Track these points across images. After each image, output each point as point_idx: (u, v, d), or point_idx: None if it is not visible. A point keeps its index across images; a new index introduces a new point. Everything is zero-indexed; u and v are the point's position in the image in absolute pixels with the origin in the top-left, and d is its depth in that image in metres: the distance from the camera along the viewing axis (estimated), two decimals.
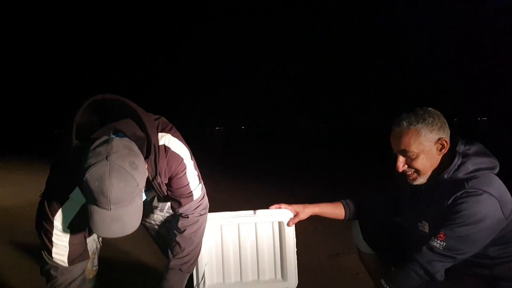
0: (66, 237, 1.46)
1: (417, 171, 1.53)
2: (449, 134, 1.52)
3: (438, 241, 1.43)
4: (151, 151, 1.42)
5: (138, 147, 1.35)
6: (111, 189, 1.18)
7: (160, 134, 1.54)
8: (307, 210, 1.75)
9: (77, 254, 1.51)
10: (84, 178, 1.19)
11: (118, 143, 1.25)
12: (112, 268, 1.97)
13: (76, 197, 1.40)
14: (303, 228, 1.81)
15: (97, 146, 1.24)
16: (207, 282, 1.70)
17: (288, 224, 1.72)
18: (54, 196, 1.43)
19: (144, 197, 1.66)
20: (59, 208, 1.42)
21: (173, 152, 1.56)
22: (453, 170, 1.49)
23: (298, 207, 1.74)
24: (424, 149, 1.49)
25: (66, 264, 1.49)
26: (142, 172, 1.28)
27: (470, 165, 1.47)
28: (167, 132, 1.57)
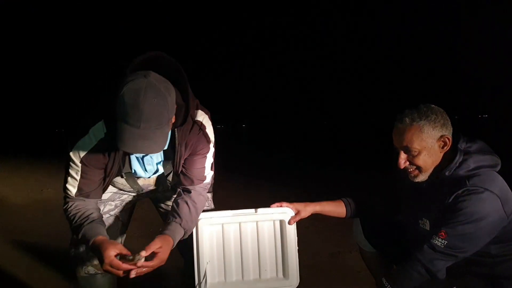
0: (78, 169, 1.52)
1: (419, 168, 1.53)
2: (451, 131, 1.52)
3: (440, 240, 1.43)
4: (187, 120, 1.51)
5: (176, 113, 1.44)
6: (145, 102, 1.25)
7: (199, 112, 1.62)
8: (308, 209, 1.74)
9: (86, 189, 1.56)
10: (121, 92, 1.27)
11: (156, 74, 1.35)
12: None
13: (95, 132, 1.47)
14: (304, 227, 1.81)
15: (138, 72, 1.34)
16: (208, 281, 1.70)
17: (289, 223, 1.72)
18: (76, 130, 1.50)
19: (161, 170, 1.71)
20: (77, 141, 1.49)
21: (206, 133, 1.64)
22: (455, 168, 1.48)
23: (299, 206, 1.74)
24: (427, 146, 1.49)
25: (73, 194, 1.56)
26: (173, 101, 1.36)
27: (471, 163, 1.47)
28: (206, 113, 1.65)
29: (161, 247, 1.45)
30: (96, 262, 1.75)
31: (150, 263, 1.41)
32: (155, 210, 2.03)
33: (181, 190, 1.70)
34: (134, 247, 1.92)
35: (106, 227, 1.76)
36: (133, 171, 1.66)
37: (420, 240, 1.51)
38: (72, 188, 1.56)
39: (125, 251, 1.41)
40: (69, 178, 1.55)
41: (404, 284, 1.48)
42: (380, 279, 1.54)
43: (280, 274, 1.75)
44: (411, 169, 1.55)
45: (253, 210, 1.72)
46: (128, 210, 1.88)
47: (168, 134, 1.41)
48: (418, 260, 1.46)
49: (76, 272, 1.77)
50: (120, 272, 1.38)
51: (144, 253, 1.40)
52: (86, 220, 1.52)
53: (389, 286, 1.48)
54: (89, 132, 1.48)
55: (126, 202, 1.86)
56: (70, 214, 1.55)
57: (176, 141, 1.55)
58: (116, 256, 1.39)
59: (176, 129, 1.53)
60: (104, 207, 1.77)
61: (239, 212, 1.72)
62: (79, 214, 1.54)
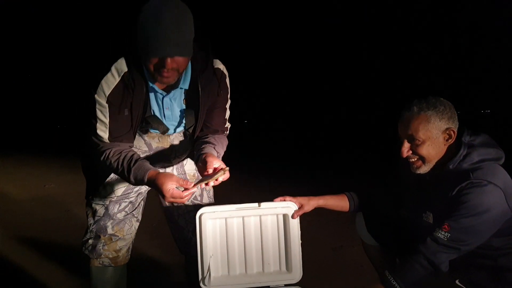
0: (106, 110, 1.53)
1: (422, 158, 1.53)
2: (457, 125, 1.52)
3: (443, 232, 1.43)
4: (207, 66, 1.58)
5: (195, 58, 1.53)
6: (167, 11, 1.34)
7: (217, 61, 1.67)
8: (311, 203, 1.75)
9: (117, 133, 1.57)
10: (143, 13, 1.37)
11: None
12: None
13: (118, 67, 1.50)
14: (307, 221, 1.81)
15: None
16: (212, 274, 1.70)
17: (292, 217, 1.72)
18: (97, 71, 1.52)
19: (182, 128, 1.74)
20: (100, 81, 1.50)
21: (226, 82, 1.70)
22: (458, 161, 1.48)
23: (302, 200, 1.74)
24: (431, 136, 1.49)
25: (107, 140, 1.56)
26: (191, 20, 1.43)
27: (475, 156, 1.47)
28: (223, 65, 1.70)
29: (218, 161, 1.51)
30: (111, 255, 1.78)
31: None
32: (156, 206, 2.04)
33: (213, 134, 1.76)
34: (137, 242, 1.94)
35: (124, 225, 1.80)
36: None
37: (423, 233, 1.52)
38: (103, 133, 1.56)
39: (181, 182, 1.45)
40: (97, 124, 1.55)
41: (407, 277, 1.48)
42: (383, 273, 1.54)
43: (283, 268, 1.76)
44: (414, 159, 1.55)
45: (256, 204, 1.72)
46: (141, 206, 1.90)
47: (191, 49, 1.45)
48: (421, 253, 1.46)
49: (90, 261, 1.79)
50: (184, 200, 1.45)
51: (217, 167, 1.48)
52: (131, 162, 1.53)
53: (392, 279, 1.49)
54: (111, 69, 1.50)
55: (140, 194, 1.86)
56: (112, 162, 1.55)
57: (199, 87, 1.59)
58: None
59: (197, 76, 1.58)
60: (120, 205, 1.78)
61: (242, 206, 1.72)
62: (121, 158, 1.55)
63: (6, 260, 2.87)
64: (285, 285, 1.73)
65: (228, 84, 1.71)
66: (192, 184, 1.48)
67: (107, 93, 1.50)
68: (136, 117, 1.58)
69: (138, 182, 1.53)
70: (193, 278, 1.79)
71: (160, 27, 1.34)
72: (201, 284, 1.68)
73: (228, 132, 1.83)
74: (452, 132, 1.50)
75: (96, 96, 1.51)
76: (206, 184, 1.47)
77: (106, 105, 1.51)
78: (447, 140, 1.51)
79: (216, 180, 1.46)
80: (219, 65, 1.67)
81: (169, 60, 1.40)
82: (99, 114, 1.53)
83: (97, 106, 1.52)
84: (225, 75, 1.69)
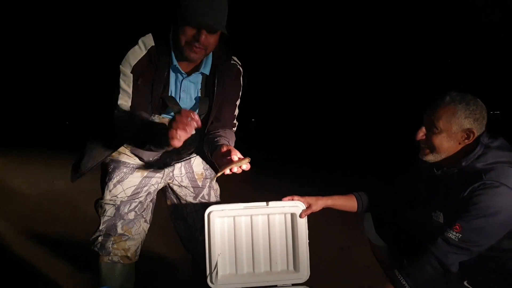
0: (130, 80, 1.53)
1: (432, 147, 1.54)
2: (481, 131, 1.52)
3: (454, 233, 1.42)
4: (226, 59, 1.66)
5: (216, 50, 1.59)
6: None
7: (235, 58, 1.73)
8: (319, 202, 1.74)
9: (138, 106, 1.56)
10: None
11: None
12: None
13: (145, 41, 1.53)
14: (314, 221, 1.80)
15: None
16: (220, 273, 1.70)
17: (300, 216, 1.72)
18: (124, 43, 1.54)
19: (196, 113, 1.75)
20: (126, 52, 1.52)
21: (240, 79, 1.75)
22: (472, 159, 1.48)
23: (310, 199, 1.74)
24: (450, 129, 1.49)
25: (128, 108, 1.56)
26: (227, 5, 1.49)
27: (490, 157, 1.46)
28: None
29: (238, 152, 1.51)
30: (120, 254, 1.78)
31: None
32: (163, 204, 2.05)
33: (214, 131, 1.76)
34: (145, 241, 1.95)
35: (133, 225, 1.81)
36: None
37: (433, 232, 1.51)
38: (126, 102, 1.55)
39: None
40: (119, 95, 1.54)
41: (417, 277, 1.47)
42: (392, 272, 1.53)
43: (291, 267, 1.75)
44: (424, 145, 1.57)
45: (264, 203, 1.72)
46: (149, 208, 1.90)
47: (224, 25, 1.49)
48: (432, 253, 1.45)
49: (99, 257, 1.79)
50: (189, 121, 1.27)
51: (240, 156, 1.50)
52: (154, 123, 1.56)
53: (402, 278, 1.48)
54: (138, 42, 1.52)
55: (149, 194, 1.86)
56: (134, 120, 1.53)
57: (216, 76, 1.63)
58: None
59: (217, 65, 1.63)
60: (130, 205, 1.79)
61: (250, 205, 1.72)
62: (144, 115, 1.56)
63: (15, 254, 2.90)
64: (293, 284, 1.73)
65: (241, 81, 1.75)
66: (220, 169, 1.48)
67: (133, 63, 1.52)
68: (155, 94, 1.59)
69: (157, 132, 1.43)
70: (200, 276, 1.79)
71: (205, 4, 1.41)
72: (209, 282, 1.69)
73: (235, 129, 1.85)
74: (471, 133, 1.49)
75: (121, 66, 1.52)
76: (230, 170, 1.46)
77: (131, 75, 1.52)
78: (463, 140, 1.51)
79: (240, 167, 1.46)
80: (236, 61, 1.72)
81: (204, 33, 1.44)
82: (122, 84, 1.54)
83: (121, 76, 1.53)
84: (241, 72, 1.74)
